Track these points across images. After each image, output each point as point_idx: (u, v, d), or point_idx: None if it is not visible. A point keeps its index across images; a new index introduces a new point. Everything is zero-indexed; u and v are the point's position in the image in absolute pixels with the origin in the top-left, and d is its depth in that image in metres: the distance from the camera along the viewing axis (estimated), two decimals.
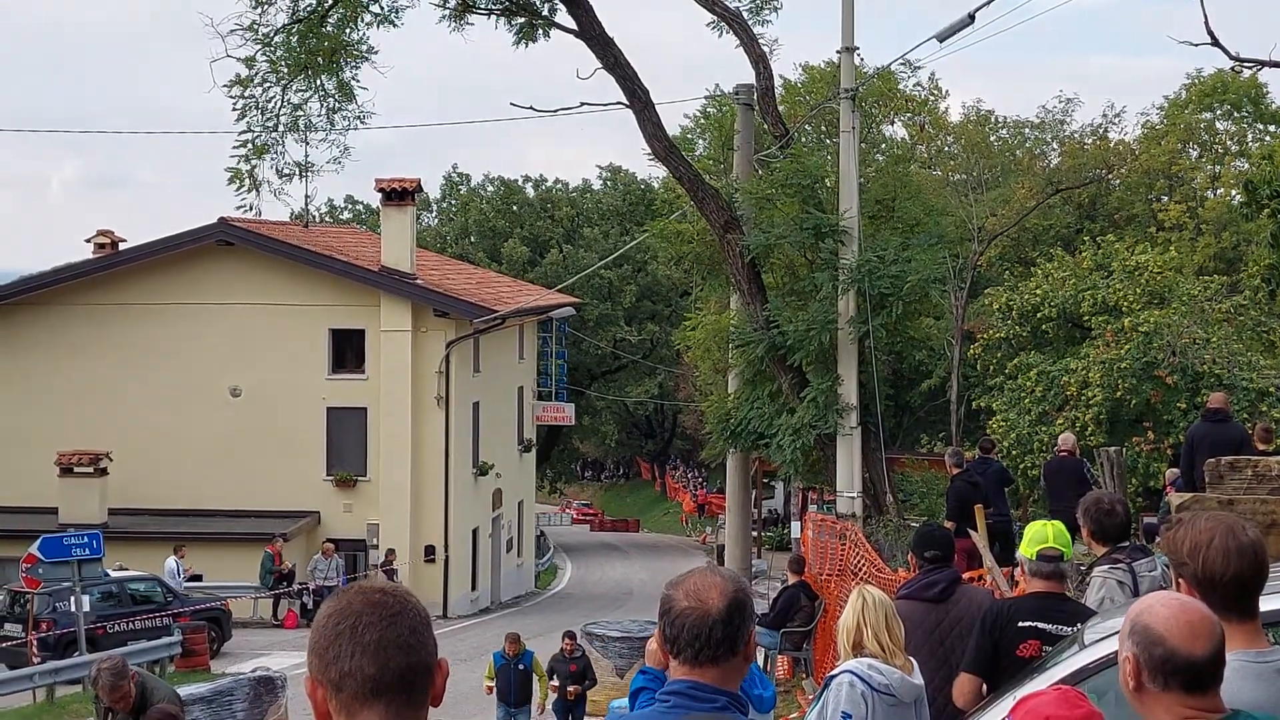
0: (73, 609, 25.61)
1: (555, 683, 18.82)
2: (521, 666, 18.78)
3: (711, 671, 3.70)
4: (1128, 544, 8.11)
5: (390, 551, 37.00)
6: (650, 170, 70.74)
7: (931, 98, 52.56)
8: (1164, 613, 3.56)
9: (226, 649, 29.54)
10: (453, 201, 72.33)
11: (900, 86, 48.22)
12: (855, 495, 21.06)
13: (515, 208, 70.12)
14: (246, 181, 23.75)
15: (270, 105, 23.79)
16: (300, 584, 35.30)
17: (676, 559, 54.92)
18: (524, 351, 48.30)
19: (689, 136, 48.39)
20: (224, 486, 37.86)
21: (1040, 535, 7.38)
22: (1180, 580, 4.17)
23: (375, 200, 47.30)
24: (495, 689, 18.76)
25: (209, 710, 16.04)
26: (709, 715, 3.61)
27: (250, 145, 23.66)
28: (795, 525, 44.26)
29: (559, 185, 73.36)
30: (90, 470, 36.80)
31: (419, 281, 39.63)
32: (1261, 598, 4.22)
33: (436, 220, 71.47)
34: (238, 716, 16.77)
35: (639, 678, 7.06)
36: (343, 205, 71.84)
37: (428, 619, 2.84)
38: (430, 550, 38.33)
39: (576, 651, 19.55)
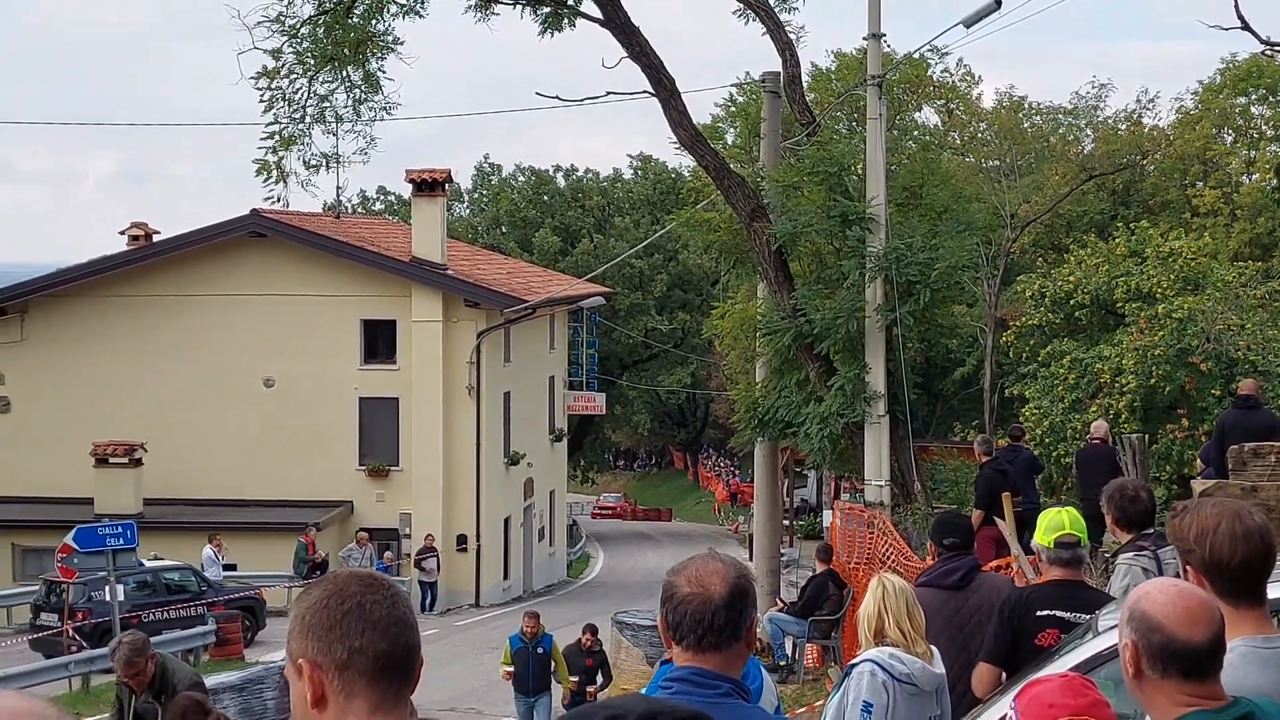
0: (108, 598, 25.78)
1: (575, 678, 18.23)
2: (540, 650, 17.81)
3: (714, 658, 3.70)
4: (1152, 531, 8.08)
5: (429, 536, 37.18)
6: (680, 159, 70.64)
7: (963, 84, 52.30)
8: (1162, 599, 3.55)
9: (260, 638, 29.69)
10: (484, 192, 72.44)
11: (929, 73, 48.00)
12: (883, 483, 21.01)
13: (546, 197, 70.14)
14: (274, 173, 23.83)
15: (297, 97, 23.86)
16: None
17: (709, 548, 54.86)
18: (555, 341, 48.36)
19: (719, 125, 48.26)
20: (257, 476, 38.08)
21: (1056, 522, 7.35)
22: (1188, 567, 4.15)
23: (406, 191, 47.43)
24: (513, 675, 17.80)
25: (239, 698, 16.14)
26: (711, 701, 3.62)
27: (277, 137, 23.73)
28: (827, 514, 44.24)
29: (589, 175, 73.40)
30: (125, 461, 37.05)
31: (450, 272, 39.73)
32: (1270, 584, 4.19)
33: (468, 210, 71.60)
34: (268, 705, 16.85)
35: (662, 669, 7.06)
36: (374, 196, 72.08)
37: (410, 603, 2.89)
38: (462, 539, 38.46)
39: (595, 646, 18.96)
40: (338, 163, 24.12)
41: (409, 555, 37.59)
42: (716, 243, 26.43)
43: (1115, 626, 5.54)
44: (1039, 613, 7.14)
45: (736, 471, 74.73)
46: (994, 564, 13.86)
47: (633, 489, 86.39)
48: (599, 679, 18.66)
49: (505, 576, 41.18)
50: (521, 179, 72.23)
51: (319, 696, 2.75)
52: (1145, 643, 3.52)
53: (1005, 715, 3.92)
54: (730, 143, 37.61)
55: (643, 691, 4.86)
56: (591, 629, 19.22)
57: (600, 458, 79.86)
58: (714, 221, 26.41)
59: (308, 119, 23.70)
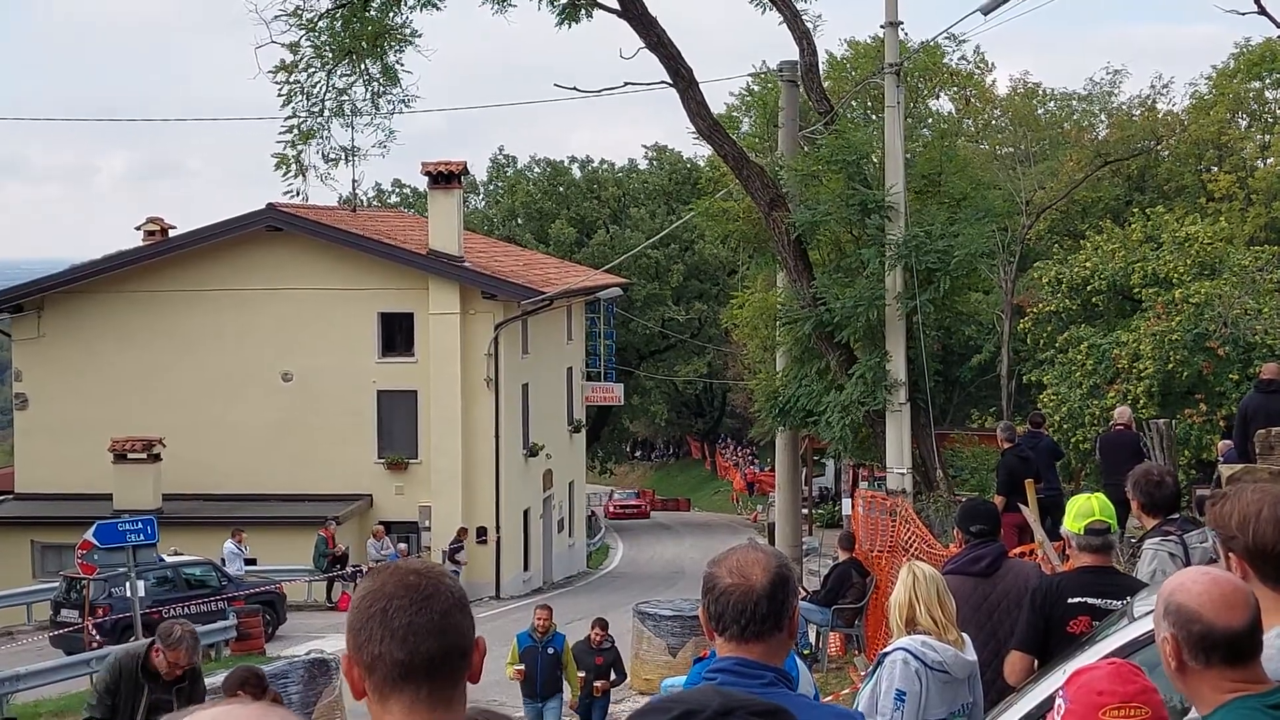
0: (128, 594, 25.83)
1: (582, 674, 16.72)
2: (551, 650, 16.46)
3: (757, 647, 3.71)
4: (1178, 516, 8.06)
5: (462, 530, 37.24)
6: (696, 149, 70.60)
7: (978, 71, 52.18)
8: (1197, 589, 3.54)
9: (281, 632, 29.74)
10: (499, 184, 72.42)
11: (945, 61, 47.89)
12: (905, 471, 21.01)
13: (561, 189, 70.13)
14: (293, 167, 23.85)
15: (315, 90, 23.85)
16: (354, 566, 35.53)
17: (728, 538, 54.86)
18: (572, 332, 48.37)
19: (734, 115, 48.19)
20: (276, 471, 38.13)
21: (1086, 509, 7.31)
22: (1230, 554, 4.14)
23: (422, 184, 47.45)
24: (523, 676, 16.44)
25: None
26: (756, 690, 3.62)
27: (296, 131, 23.73)
28: (846, 502, 44.20)
29: (605, 166, 73.32)
30: (143, 456, 37.11)
31: (467, 264, 39.74)
32: None
33: (484, 203, 71.59)
34: (292, 699, 16.85)
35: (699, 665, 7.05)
36: (390, 189, 72.09)
37: (462, 600, 2.82)
38: (482, 531, 38.51)
39: (605, 642, 17.42)
40: (355, 156, 24.11)
41: (429, 548, 37.65)
42: (735, 232, 26.45)
43: (1151, 612, 5.55)
44: (1070, 600, 7.12)
45: (755, 460, 74.67)
46: (1017, 550, 13.85)
47: (651, 479, 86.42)
48: (612, 676, 17.20)
49: (525, 568, 41.23)
50: (537, 171, 72.22)
51: (358, 690, 2.79)
52: (1185, 634, 3.51)
53: (1054, 704, 3.91)
54: (746, 132, 37.52)
55: (680, 685, 4.86)
56: (602, 624, 17.56)
57: (618, 448, 79.89)
58: (732, 211, 26.42)
59: (326, 112, 23.73)
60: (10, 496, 39.68)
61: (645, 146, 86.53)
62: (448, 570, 2.94)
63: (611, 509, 67.16)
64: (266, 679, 10.03)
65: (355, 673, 2.76)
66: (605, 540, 55.82)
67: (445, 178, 40.14)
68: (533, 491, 42.34)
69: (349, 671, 2.77)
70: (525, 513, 41.37)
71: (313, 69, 23.59)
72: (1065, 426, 34.31)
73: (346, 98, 23.84)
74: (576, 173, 72.15)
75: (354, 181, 25.61)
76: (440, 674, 2.74)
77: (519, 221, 68.76)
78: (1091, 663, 4.43)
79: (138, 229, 42.11)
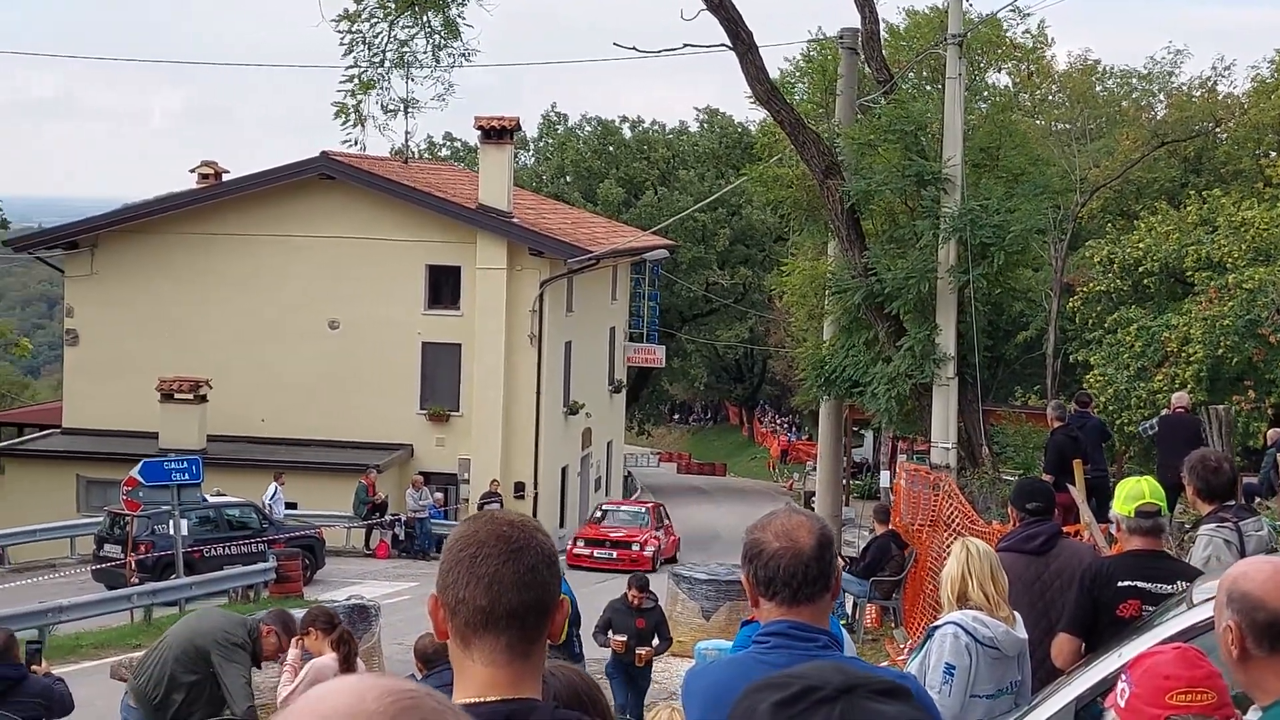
0: (171, 532, 26.10)
1: (622, 638, 15.26)
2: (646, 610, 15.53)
3: (807, 610, 3.72)
4: (1234, 503, 8.02)
5: (494, 482, 37.44)
6: (748, 114, 70.26)
7: (1037, 45, 51.72)
8: (1261, 577, 3.53)
9: (319, 576, 30.00)
10: (549, 141, 72.30)
11: (1006, 34, 47.48)
12: (950, 446, 20.93)
13: (611, 148, 69.94)
14: (352, 116, 23.90)
15: (377, 41, 23.88)
16: (393, 515, 35.75)
17: (763, 504, 54.76)
18: (617, 292, 48.38)
19: (788, 81, 47.95)
20: (319, 417, 38.37)
21: (1136, 491, 7.26)
22: None
23: (473, 138, 47.45)
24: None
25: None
26: (812, 653, 3.63)
27: (356, 80, 23.79)
28: (884, 474, 44.12)
29: (655, 127, 73.09)
30: (190, 397, 37.41)
31: (515, 220, 39.78)
32: None
33: (533, 160, 71.51)
34: None
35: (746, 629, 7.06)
36: (441, 142, 72.08)
37: (552, 556, 2.84)
38: (520, 487, 38.67)
39: (647, 602, 15.77)
40: (414, 108, 24.13)
41: (467, 500, 37.85)
42: (787, 199, 26.31)
43: (1211, 599, 5.53)
44: (1120, 583, 7.08)
45: (793, 429, 74.58)
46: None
47: (687, 443, 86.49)
48: (655, 641, 15.62)
49: (561, 525, 41.38)
50: (587, 129, 72.06)
51: (441, 633, 2.82)
52: (1249, 621, 3.50)
53: (1117, 688, 3.91)
54: (800, 98, 37.33)
55: (728, 650, 4.87)
56: (640, 582, 16.01)
57: (657, 410, 79.92)
58: (786, 177, 26.27)
59: (387, 63, 23.76)
60: (58, 431, 40.12)
61: (697, 109, 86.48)
62: (541, 525, 2.96)
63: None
64: (337, 618, 10.19)
65: (440, 614, 2.80)
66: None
67: (497, 133, 40.15)
68: (571, 449, 42.45)
69: (434, 611, 2.81)
70: (563, 470, 41.51)
71: (376, 19, 23.62)
72: (1111, 408, 34.13)
73: (407, 49, 23.88)
74: (627, 133, 71.94)
75: (407, 133, 25.63)
76: (521, 626, 2.76)
77: (568, 180, 68.65)
78: (1154, 647, 4.43)
79: (191, 171, 42.36)
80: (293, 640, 10.32)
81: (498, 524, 2.83)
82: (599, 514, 38.02)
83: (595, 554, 34.94)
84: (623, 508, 39.41)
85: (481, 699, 2.74)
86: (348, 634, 10.20)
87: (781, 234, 62.81)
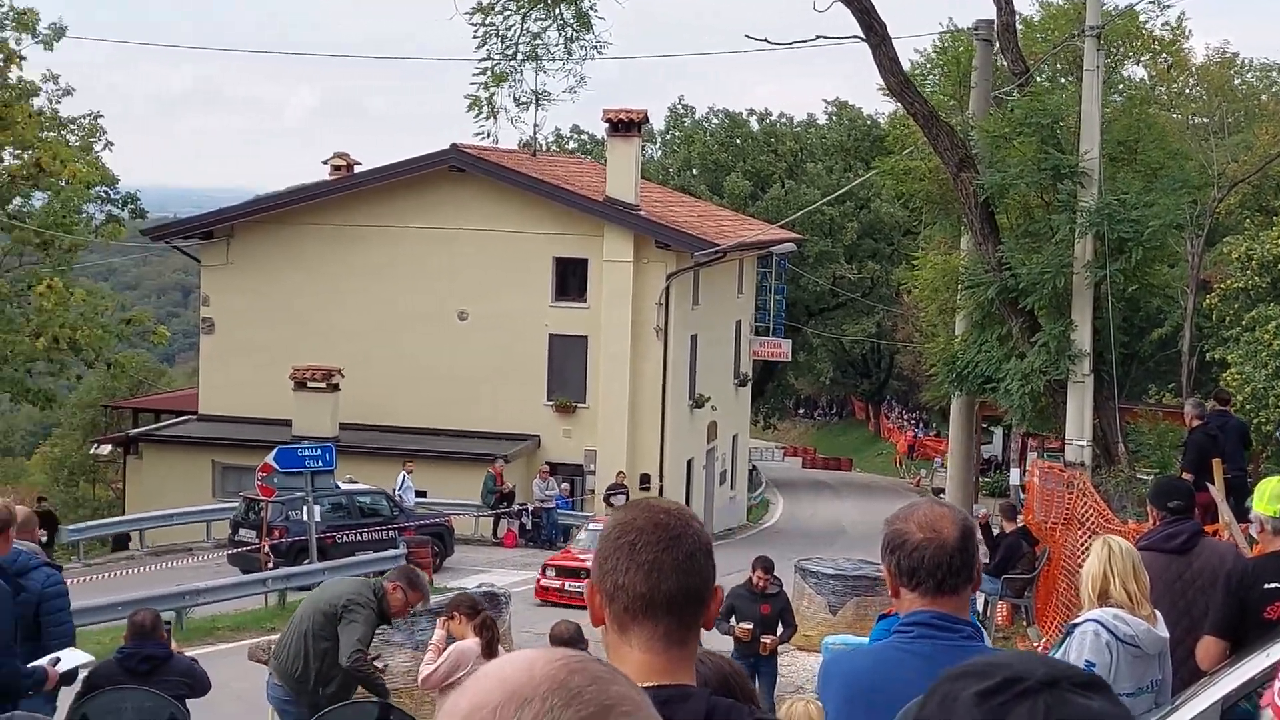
0: (305, 518, 26.53)
1: (748, 625, 14.71)
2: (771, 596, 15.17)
3: (950, 601, 3.72)
4: None
5: (620, 473, 37.58)
6: (878, 106, 69.77)
7: (1175, 38, 50.70)
8: None
9: (448, 564, 30.33)
10: (676, 134, 72.33)
11: (1145, 25, 46.60)
12: (1085, 444, 20.63)
13: (739, 141, 69.79)
14: (484, 109, 24.13)
15: (510, 33, 24.09)
16: (520, 504, 36.04)
17: (890, 500, 54.43)
18: (743, 286, 48.28)
19: (919, 73, 47.51)
20: (447, 407, 38.76)
21: (1277, 491, 7.14)
22: None
23: (601, 131, 47.59)
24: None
25: (435, 622, 16.47)
26: (956, 644, 3.61)
27: (489, 73, 24.00)
28: (1014, 472, 43.58)
29: (783, 119, 72.80)
30: (323, 385, 37.96)
31: (642, 213, 39.87)
32: None
33: (660, 152, 71.59)
34: None
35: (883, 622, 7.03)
36: (569, 135, 72.47)
37: (708, 545, 2.87)
38: (645, 479, 38.75)
39: (772, 587, 15.18)
40: (545, 101, 24.30)
41: (593, 491, 38.04)
42: (919, 192, 26.08)
43: None
44: (1266, 585, 6.97)
45: (921, 424, 73.96)
46: None
47: (812, 437, 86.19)
48: (779, 629, 15.08)
49: None
50: (714, 122, 71.98)
51: (597, 619, 2.86)
52: None
53: (1275, 686, 3.84)
54: (931, 89, 36.96)
55: (845, 643, 4.85)
56: (765, 564, 15.25)
57: (782, 404, 79.70)
58: (918, 171, 26.05)
59: (519, 56, 23.94)
60: (193, 417, 40.97)
61: (825, 101, 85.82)
62: (696, 514, 2.98)
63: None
64: (480, 604, 10.38)
65: (596, 600, 2.84)
66: (765, 495, 55.77)
67: (625, 126, 40.26)
68: (697, 442, 42.47)
69: (590, 598, 2.85)
70: (689, 463, 41.53)
71: (509, 12, 23.81)
72: (1249, 407, 33.36)
73: (540, 42, 24.04)
74: (754, 125, 71.72)
75: (535, 126, 25.84)
76: (679, 613, 2.79)
77: (694, 172, 68.63)
78: None
79: (324, 163, 43.00)
80: (438, 621, 10.53)
81: (655, 512, 2.87)
82: (581, 535, 29.27)
83: (568, 586, 25.96)
84: None
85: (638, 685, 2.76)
86: (490, 620, 10.38)
87: (911, 228, 62.27)
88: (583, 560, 25.21)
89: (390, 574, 10.74)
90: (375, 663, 12.41)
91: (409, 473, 33.53)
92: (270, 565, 26.80)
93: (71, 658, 8.59)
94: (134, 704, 9.16)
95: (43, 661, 8.43)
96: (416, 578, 10.70)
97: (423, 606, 11.26)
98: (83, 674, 9.31)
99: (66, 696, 9.48)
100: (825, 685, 3.95)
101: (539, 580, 27.23)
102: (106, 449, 43.18)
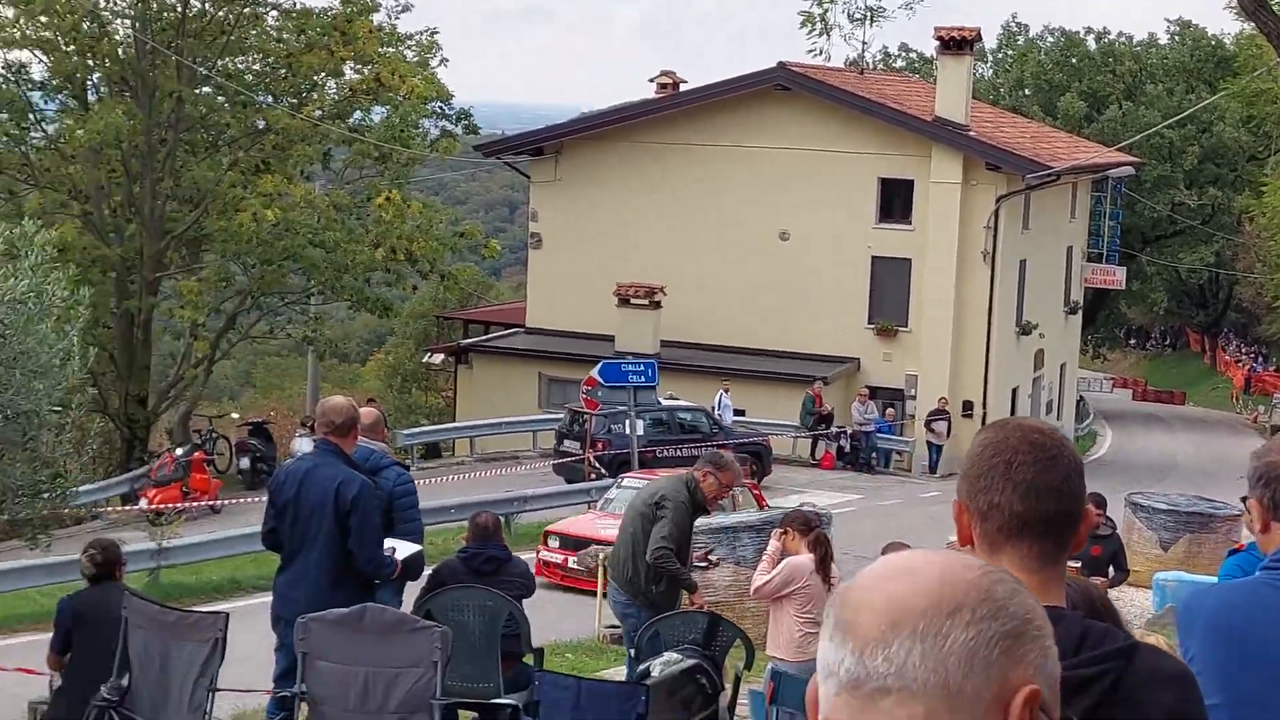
0: (627, 432, 27.05)
1: (1076, 564, 12.33)
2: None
3: None
4: None
5: (942, 399, 37.16)
6: (1224, 26, 66.22)
7: None
8: None
9: (766, 483, 30.48)
10: (1009, 53, 70.29)
11: None
12: None
13: (1074, 61, 67.38)
14: (818, 25, 23.91)
15: None
16: (839, 427, 35.95)
17: (1225, 436, 52.30)
18: (1076, 211, 46.80)
19: None
20: (767, 327, 38.84)
21: None
22: None
23: (930, 49, 46.57)
24: None
25: (757, 539, 16.64)
26: None
27: None
28: None
29: (1122, 38, 69.92)
30: (645, 303, 38.47)
31: (972, 133, 38.93)
32: None
33: (991, 72, 69.74)
34: None
35: (1234, 557, 6.71)
36: (897, 53, 71.20)
37: (1081, 467, 2.81)
38: (968, 405, 38.11)
39: (1104, 528, 14.17)
40: (880, 17, 23.89)
41: (913, 416, 37.66)
42: (1271, 116, 24.70)
43: None
44: None
45: (1260, 358, 70.70)
46: None
47: (1143, 369, 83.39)
48: (1110, 571, 14.25)
49: None
50: (1049, 40, 69.67)
51: (965, 538, 2.79)
52: None
53: None
54: None
55: (1174, 579, 4.62)
56: (1097, 500, 13.22)
57: (1113, 334, 77.20)
58: (1270, 93, 24.66)
59: None
60: (521, 330, 42.16)
61: (1168, 20, 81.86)
62: (1067, 435, 2.88)
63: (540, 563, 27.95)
64: (814, 520, 10.53)
65: (965, 519, 2.78)
66: (1093, 427, 54.24)
67: (957, 44, 39.30)
68: (1022, 370, 41.53)
69: (959, 516, 2.79)
70: (1013, 391, 40.66)
71: None
72: None
73: None
74: (1091, 44, 69.11)
75: (863, 44, 25.43)
76: (1052, 534, 2.73)
77: (1026, 92, 66.65)
78: None
79: (650, 81, 43.34)
80: (773, 534, 10.62)
81: (1028, 431, 2.80)
82: (611, 495, 22.62)
83: (571, 563, 20.50)
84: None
85: None
86: (824, 536, 10.44)
87: (1256, 153, 59.16)
88: (598, 532, 20.28)
89: (698, 463, 10.82)
90: (710, 556, 12.68)
91: (726, 393, 33.80)
92: (593, 476, 27.44)
93: (404, 548, 8.91)
94: (476, 603, 9.49)
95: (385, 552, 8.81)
96: (721, 459, 10.74)
97: (737, 485, 11.20)
98: (427, 570, 9.70)
99: (412, 591, 9.90)
100: (1186, 624, 3.77)
101: (539, 550, 21.07)
102: (438, 358, 44.80)
